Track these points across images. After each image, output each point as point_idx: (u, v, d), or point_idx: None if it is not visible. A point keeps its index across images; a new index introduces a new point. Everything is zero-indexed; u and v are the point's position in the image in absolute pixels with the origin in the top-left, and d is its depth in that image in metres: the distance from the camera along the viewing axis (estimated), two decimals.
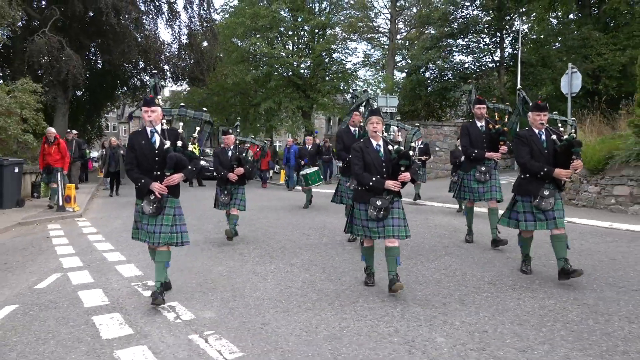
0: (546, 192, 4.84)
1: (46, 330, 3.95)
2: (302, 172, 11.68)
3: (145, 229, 4.55)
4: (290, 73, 27.78)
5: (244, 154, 7.41)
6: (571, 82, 14.64)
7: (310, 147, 13.02)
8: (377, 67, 29.26)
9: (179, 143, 4.53)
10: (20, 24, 17.13)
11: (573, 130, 5.25)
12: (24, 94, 14.11)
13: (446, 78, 22.73)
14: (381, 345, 3.48)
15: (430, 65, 22.62)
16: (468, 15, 22.47)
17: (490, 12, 22.39)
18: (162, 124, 4.66)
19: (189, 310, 4.32)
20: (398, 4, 26.16)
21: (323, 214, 10.17)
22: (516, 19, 22.21)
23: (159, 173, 4.50)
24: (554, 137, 4.93)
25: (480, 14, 22.71)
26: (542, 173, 4.84)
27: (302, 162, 12.80)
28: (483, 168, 6.54)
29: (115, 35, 21.61)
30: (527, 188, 4.96)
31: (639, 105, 10.72)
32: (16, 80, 14.68)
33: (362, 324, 3.92)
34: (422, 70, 23.01)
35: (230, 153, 7.39)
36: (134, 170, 4.57)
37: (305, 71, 29.01)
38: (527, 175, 5.00)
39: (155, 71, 4.11)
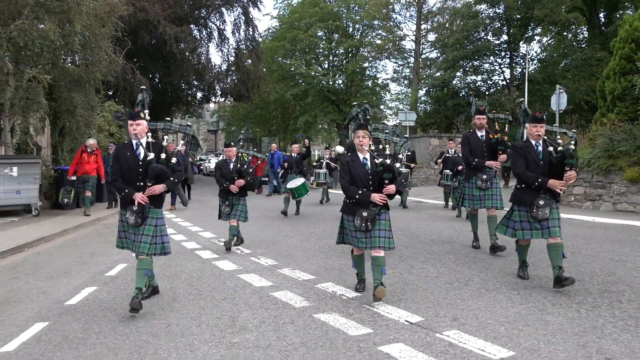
0: (541, 202, 4.92)
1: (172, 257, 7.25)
2: (288, 186, 11.40)
3: (130, 238, 4.76)
4: (325, 90, 31.06)
5: (245, 166, 7.66)
6: (559, 100, 17.28)
7: (296, 155, 12.38)
8: (405, 83, 32.20)
9: (163, 155, 4.74)
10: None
11: (573, 142, 5.32)
12: (109, 113, 17.88)
13: (461, 95, 25.57)
14: (340, 260, 6.54)
15: (446, 85, 25.49)
16: (481, 39, 25.25)
17: (501, 36, 25.12)
18: (147, 137, 4.80)
19: (248, 250, 7.53)
20: (422, 27, 29.06)
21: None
22: (523, 42, 24.82)
23: (142, 184, 4.68)
24: (550, 148, 5.02)
25: (491, 39, 25.43)
26: (536, 184, 4.94)
27: (289, 170, 12.22)
28: (484, 176, 6.72)
29: (175, 61, 25.51)
30: (523, 197, 5.06)
31: (595, 122, 13.39)
32: (104, 103, 18.44)
33: (345, 253, 7.01)
34: (439, 89, 25.90)
35: (231, 165, 7.63)
36: (119, 180, 4.75)
37: (341, 86, 32.28)
38: (523, 185, 5.11)
39: (144, 87, 5.11)
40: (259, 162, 10.02)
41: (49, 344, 3.92)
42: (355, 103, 7.84)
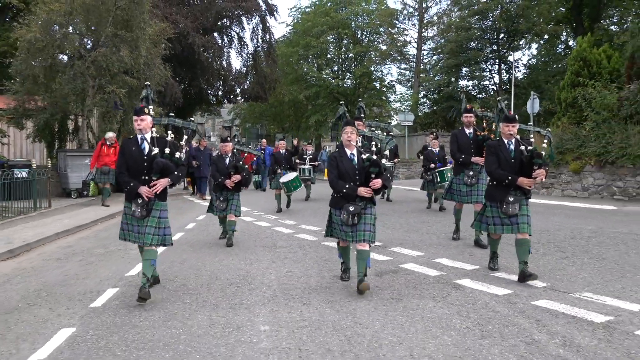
0: (511, 199, 5.14)
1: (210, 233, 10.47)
2: (281, 180, 11.45)
3: (133, 230, 4.87)
4: (335, 91, 34.18)
5: (240, 162, 7.79)
6: (533, 105, 20.30)
7: (284, 151, 12.40)
8: (409, 85, 35.26)
9: (167, 150, 4.82)
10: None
11: (546, 141, 5.58)
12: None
13: (454, 98, 28.66)
14: None
15: (442, 89, 28.64)
16: (473, 48, 28.31)
17: (491, 46, 28.14)
18: (152, 132, 4.88)
19: (275, 216, 10.71)
20: (423, 34, 32.10)
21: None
22: (509, 52, 27.86)
23: (147, 177, 4.77)
24: (522, 147, 5.19)
25: (482, 47, 28.51)
26: (506, 181, 5.15)
27: (278, 169, 12.07)
28: (471, 172, 7.10)
29: (201, 67, 28.73)
30: (494, 194, 5.31)
31: (552, 124, 16.36)
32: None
33: None
34: (435, 92, 29.03)
35: (227, 160, 7.75)
36: (124, 174, 4.83)
37: (349, 87, 35.34)
38: (494, 182, 5.33)
39: (148, 83, 6.03)
40: (254, 158, 10.81)
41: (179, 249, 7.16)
42: (342, 102, 8.36)
